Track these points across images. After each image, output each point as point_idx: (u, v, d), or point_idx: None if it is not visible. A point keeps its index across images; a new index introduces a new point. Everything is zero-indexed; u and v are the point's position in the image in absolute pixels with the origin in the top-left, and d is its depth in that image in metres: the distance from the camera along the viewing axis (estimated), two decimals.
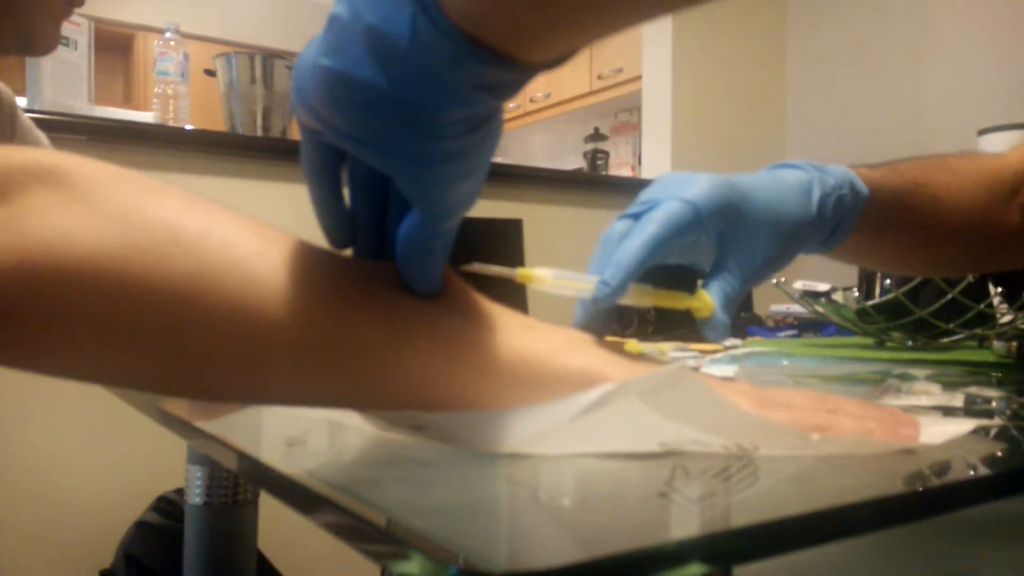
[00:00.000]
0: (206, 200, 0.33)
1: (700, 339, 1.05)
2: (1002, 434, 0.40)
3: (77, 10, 0.60)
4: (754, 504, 0.29)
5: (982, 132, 1.65)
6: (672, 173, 0.46)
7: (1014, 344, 0.72)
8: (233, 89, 1.45)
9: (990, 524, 0.50)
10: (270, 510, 0.59)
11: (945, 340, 0.85)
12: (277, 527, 0.89)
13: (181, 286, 0.29)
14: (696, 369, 0.67)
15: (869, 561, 0.46)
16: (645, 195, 0.45)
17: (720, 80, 2.28)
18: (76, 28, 1.21)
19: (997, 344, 0.74)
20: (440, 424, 0.33)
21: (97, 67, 1.37)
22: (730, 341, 0.99)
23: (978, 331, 0.81)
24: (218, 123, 1.53)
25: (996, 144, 1.58)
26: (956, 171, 0.58)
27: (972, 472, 0.33)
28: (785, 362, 0.72)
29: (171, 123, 1.40)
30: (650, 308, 1.10)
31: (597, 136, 3.23)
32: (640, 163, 2.49)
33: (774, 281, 0.90)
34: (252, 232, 0.32)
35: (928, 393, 0.50)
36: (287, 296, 0.31)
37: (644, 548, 0.22)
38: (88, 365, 0.30)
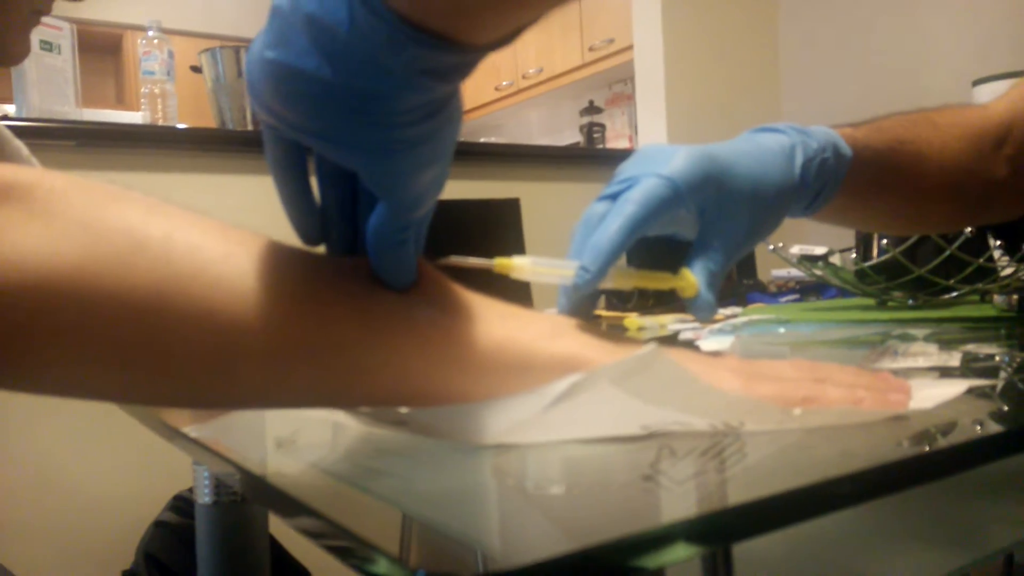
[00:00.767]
0: (169, 204, 0.32)
1: None
2: (995, 393, 0.40)
3: (59, 14, 0.59)
4: (745, 481, 0.28)
5: (977, 82, 1.63)
6: (650, 146, 0.45)
7: (1015, 297, 0.71)
8: (220, 84, 1.44)
9: (999, 479, 0.50)
10: (314, 491, 0.59)
11: (946, 297, 0.84)
12: (335, 504, 0.88)
13: (147, 295, 0.29)
14: (694, 341, 0.67)
15: (873, 525, 0.46)
16: (623, 171, 0.44)
17: (712, 44, 2.25)
18: (58, 32, 1.21)
19: (998, 298, 0.73)
20: (420, 419, 0.32)
21: (87, 69, 1.36)
22: (730, 310, 0.99)
23: (979, 286, 0.80)
24: (209, 120, 1.52)
25: (991, 95, 1.56)
26: (940, 126, 0.56)
27: (961, 436, 0.32)
28: (782, 329, 0.71)
29: (160, 123, 1.39)
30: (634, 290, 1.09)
31: (592, 109, 3.20)
32: (637, 134, 2.47)
33: (770, 247, 0.89)
34: (217, 235, 0.31)
35: (925, 354, 0.49)
36: (257, 298, 0.30)
37: (633, 534, 0.22)
38: (57, 380, 0.30)
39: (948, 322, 0.72)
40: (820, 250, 0.90)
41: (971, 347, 0.52)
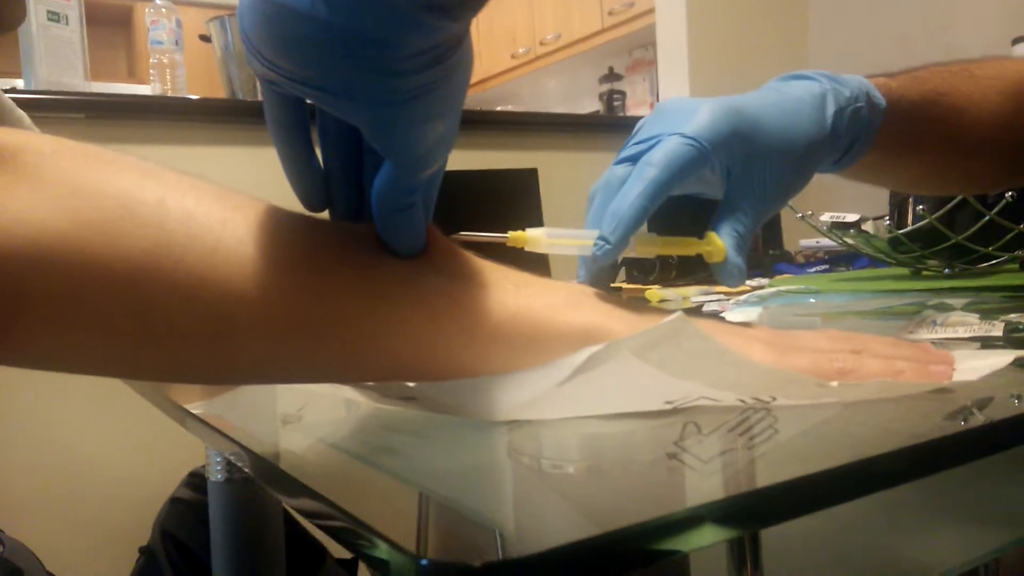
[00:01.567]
0: (164, 168, 0.30)
1: None
2: None
3: None
4: (776, 460, 0.27)
5: (1016, 41, 1.57)
6: (672, 101, 0.42)
7: None
8: (229, 53, 1.41)
9: None
10: (320, 469, 0.59)
11: (984, 265, 0.81)
12: (338, 484, 0.88)
13: (139, 263, 0.27)
14: (720, 313, 0.64)
15: (910, 505, 0.44)
16: (644, 128, 0.41)
17: (737, 6, 2.19)
18: (66, 3, 1.19)
19: None
20: (430, 394, 0.30)
21: (99, 42, 1.35)
22: (756, 281, 0.96)
23: (1019, 253, 0.77)
24: (219, 90, 1.50)
25: None
26: (978, 79, 0.53)
27: (1008, 410, 0.30)
28: (812, 300, 0.69)
29: (170, 93, 1.37)
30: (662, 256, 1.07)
31: (612, 76, 3.15)
32: (659, 101, 2.42)
33: (799, 215, 0.86)
34: (213, 200, 0.30)
35: (965, 324, 0.47)
36: (254, 267, 0.29)
37: (658, 517, 0.20)
38: (47, 352, 0.28)
39: (986, 291, 0.69)
40: (852, 217, 0.87)
41: (1014, 316, 0.50)
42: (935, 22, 2.00)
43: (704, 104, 0.40)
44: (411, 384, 0.31)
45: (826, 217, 0.85)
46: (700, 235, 0.40)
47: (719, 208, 0.41)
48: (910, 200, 0.83)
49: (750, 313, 0.60)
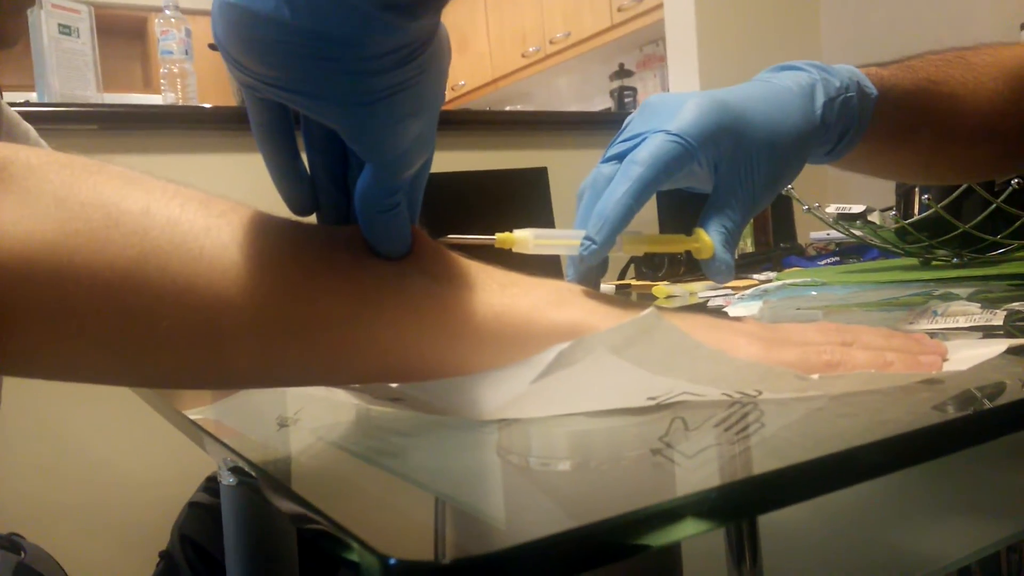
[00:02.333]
0: (149, 177, 0.31)
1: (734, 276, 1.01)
2: None
3: None
4: (761, 453, 0.27)
5: None
6: (658, 97, 0.42)
7: None
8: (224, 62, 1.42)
9: None
10: (311, 472, 0.59)
11: (993, 253, 0.80)
12: (324, 486, 0.89)
13: (124, 271, 0.28)
14: (723, 307, 0.64)
15: (903, 493, 0.44)
16: (630, 126, 0.41)
17: None
18: (76, 15, 1.20)
19: None
20: (415, 395, 0.31)
21: (114, 54, 1.36)
22: (765, 275, 0.96)
23: None
24: (229, 98, 1.52)
25: None
26: (974, 65, 0.52)
27: (1002, 398, 0.30)
28: (814, 292, 0.68)
29: (181, 102, 1.39)
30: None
31: (623, 72, 3.13)
32: None
33: (806, 207, 0.85)
34: (198, 207, 0.30)
35: (966, 313, 0.46)
36: (239, 273, 0.29)
37: (639, 510, 0.21)
38: (35, 361, 0.29)
39: (994, 279, 0.68)
40: (858, 208, 0.86)
41: (1016, 305, 0.49)
42: (948, 8, 1.98)
43: (690, 99, 0.40)
44: (394, 385, 0.31)
45: (832, 209, 0.84)
46: (688, 232, 0.40)
47: (707, 204, 0.41)
48: (916, 190, 0.83)
49: (752, 307, 0.59)
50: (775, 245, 1.26)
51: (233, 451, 0.31)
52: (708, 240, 0.39)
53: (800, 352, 0.33)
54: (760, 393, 0.30)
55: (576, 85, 3.64)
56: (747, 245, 1.22)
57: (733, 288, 0.84)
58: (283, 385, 0.33)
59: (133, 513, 1.30)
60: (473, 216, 1.31)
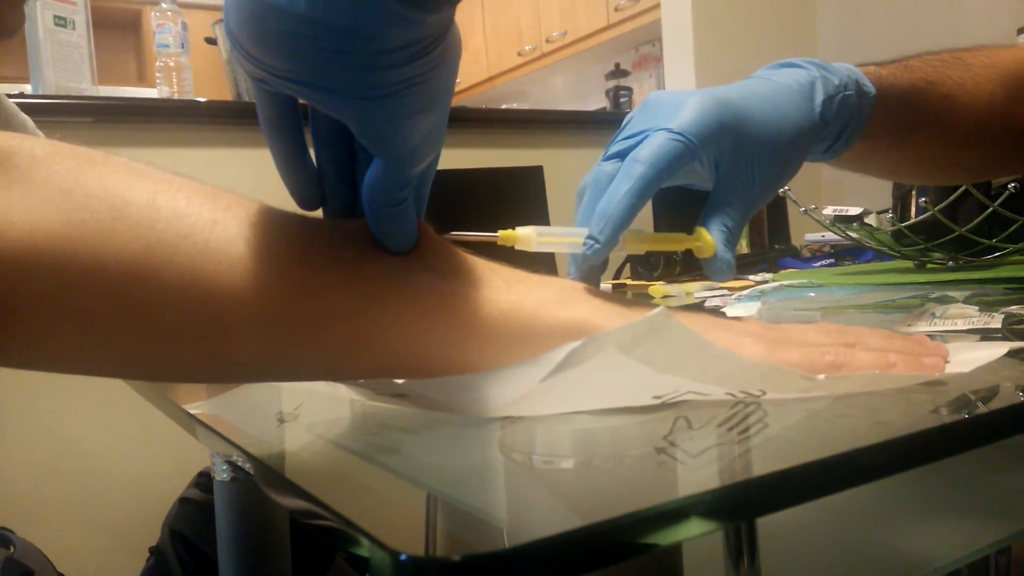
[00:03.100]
0: (155, 169, 0.31)
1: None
2: None
3: None
4: (765, 453, 0.27)
5: (1022, 31, 1.55)
6: (659, 94, 0.42)
7: None
8: (234, 55, 1.42)
9: None
10: (311, 467, 0.59)
11: (989, 257, 0.80)
12: (326, 482, 0.89)
13: (129, 263, 0.28)
14: (721, 308, 0.64)
15: (895, 495, 0.44)
16: (631, 124, 0.41)
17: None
18: (72, 8, 1.20)
19: None
20: (419, 391, 0.31)
21: (108, 47, 1.36)
22: (761, 276, 0.96)
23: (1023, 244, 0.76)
24: (225, 92, 1.51)
25: None
26: (972, 67, 0.53)
27: (1002, 401, 0.30)
28: (812, 294, 0.68)
29: (176, 96, 1.38)
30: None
31: (619, 72, 3.14)
32: None
33: (802, 209, 0.85)
34: (204, 200, 0.30)
35: (964, 316, 0.47)
36: (245, 266, 0.29)
37: (644, 510, 0.21)
38: (39, 352, 0.29)
39: (990, 283, 0.68)
40: (855, 211, 0.86)
41: (1014, 308, 0.49)
42: (944, 8, 1.99)
43: (691, 97, 0.40)
44: (399, 381, 0.31)
45: (829, 211, 0.84)
46: (690, 231, 0.40)
47: (707, 202, 0.41)
48: (913, 193, 0.83)
49: (750, 308, 0.59)
50: (771, 246, 1.26)
51: (236, 446, 0.31)
52: (709, 239, 0.39)
53: (804, 353, 0.33)
54: (764, 393, 0.30)
55: (572, 84, 3.64)
56: (743, 246, 1.23)
57: (729, 289, 0.84)
58: (287, 379, 0.33)
59: (123, 508, 1.29)
60: (469, 214, 1.30)
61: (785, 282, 0.78)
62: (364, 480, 0.27)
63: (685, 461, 0.26)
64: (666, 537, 0.21)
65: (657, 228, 1.68)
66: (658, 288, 0.87)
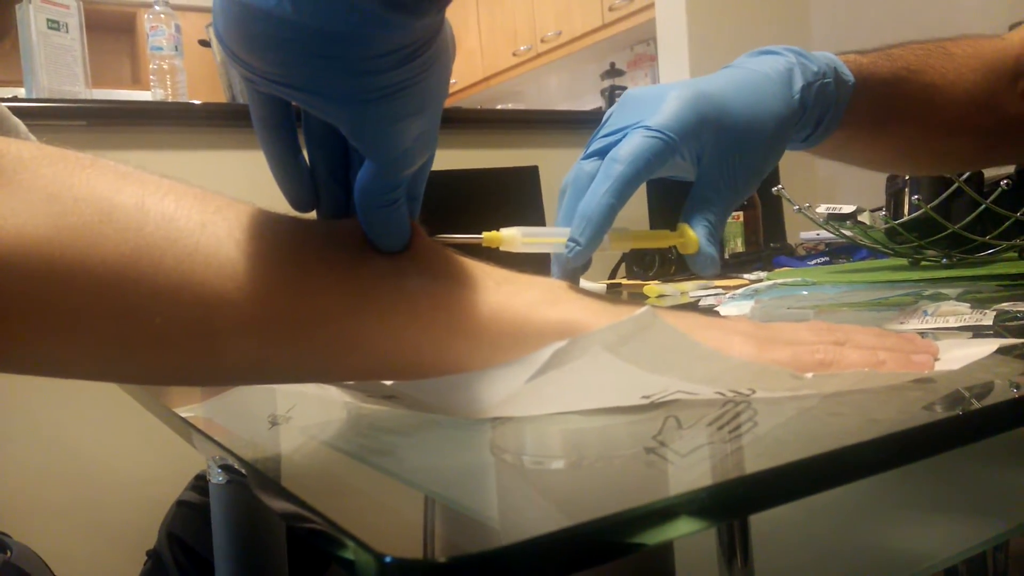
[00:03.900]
0: (143, 172, 0.31)
1: (724, 276, 1.01)
2: None
3: None
4: (755, 451, 0.27)
5: (1014, 26, 1.56)
6: (638, 90, 0.42)
7: None
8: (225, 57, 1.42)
9: None
10: (302, 470, 0.59)
11: (982, 254, 0.81)
12: (317, 484, 0.89)
13: (118, 267, 0.28)
14: (715, 307, 0.64)
15: (890, 492, 0.44)
16: (610, 120, 0.41)
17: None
18: (65, 11, 1.19)
19: None
20: (409, 393, 0.31)
21: (102, 49, 1.36)
22: (755, 275, 0.96)
23: (1016, 241, 0.77)
24: (219, 94, 1.51)
25: None
26: (955, 56, 0.52)
27: (992, 398, 0.30)
28: (805, 292, 0.68)
29: (170, 99, 1.38)
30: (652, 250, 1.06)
31: (614, 72, 3.14)
32: None
33: (796, 207, 0.86)
34: (193, 202, 0.30)
35: (956, 313, 0.47)
36: (235, 269, 0.29)
37: (633, 509, 0.21)
38: (31, 357, 0.29)
39: (983, 280, 0.68)
40: (848, 208, 0.87)
41: (1006, 305, 0.49)
42: (938, 8, 1.99)
43: (670, 92, 0.40)
44: (388, 383, 0.31)
45: (823, 209, 0.84)
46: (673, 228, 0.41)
47: (689, 197, 0.41)
48: (906, 190, 0.83)
49: (743, 306, 0.59)
50: (765, 245, 1.26)
51: (226, 449, 0.31)
52: (693, 235, 0.39)
53: (793, 351, 0.33)
54: (754, 392, 0.30)
55: (567, 84, 3.65)
56: (737, 245, 1.23)
57: (724, 287, 0.84)
58: (278, 382, 0.33)
59: (120, 512, 1.29)
60: (465, 214, 1.31)
61: (779, 280, 0.78)
62: (356, 482, 0.27)
63: (675, 460, 0.26)
64: (656, 536, 0.21)
65: (652, 221, 1.68)
66: (653, 287, 0.87)
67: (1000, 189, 0.74)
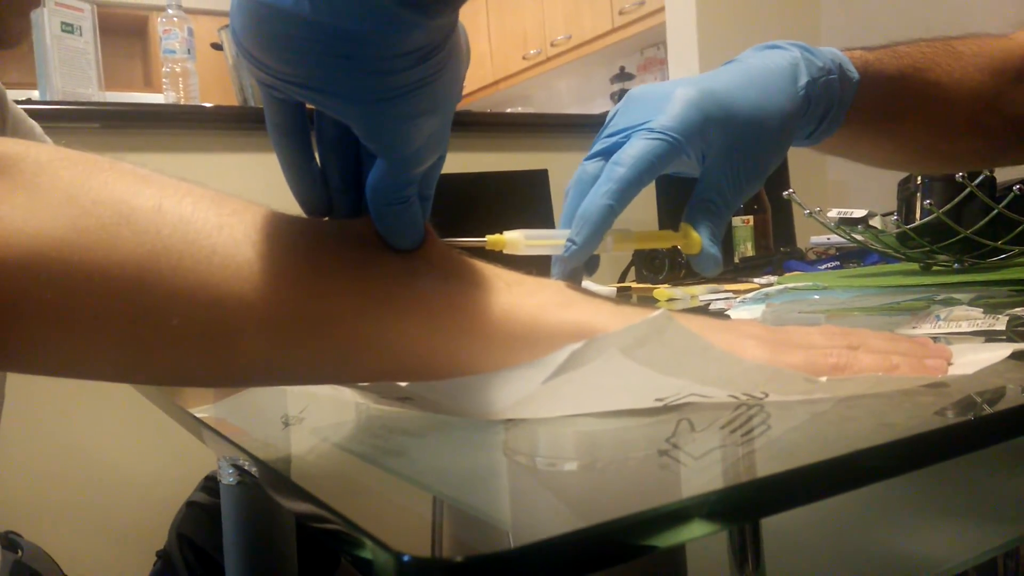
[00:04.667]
0: (161, 175, 0.31)
1: (735, 280, 1.01)
2: None
3: None
4: (768, 455, 0.27)
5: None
6: (642, 89, 0.42)
7: None
8: (240, 60, 1.43)
9: None
10: (316, 470, 0.59)
11: (994, 259, 0.80)
12: (331, 484, 0.89)
13: (136, 269, 0.28)
14: (725, 311, 0.64)
15: (902, 497, 0.44)
16: (615, 120, 0.41)
17: (748, 3, 2.18)
18: (79, 14, 1.20)
19: None
20: (424, 394, 0.31)
21: (115, 52, 1.37)
22: (766, 279, 0.96)
23: None
24: (231, 97, 1.52)
25: None
26: (962, 55, 0.52)
27: (1006, 403, 0.30)
28: (816, 296, 0.68)
29: (183, 102, 1.39)
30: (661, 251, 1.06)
31: (623, 75, 3.14)
32: None
33: (807, 212, 0.85)
34: (210, 205, 0.30)
35: (969, 318, 0.46)
36: (251, 271, 0.29)
37: (647, 511, 0.21)
38: (48, 358, 0.29)
39: (996, 285, 0.68)
40: (859, 213, 0.86)
41: (1019, 310, 0.49)
42: (948, 8, 1.98)
43: (674, 91, 0.40)
44: (403, 384, 0.31)
45: (833, 213, 0.84)
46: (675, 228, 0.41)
47: (692, 197, 0.41)
48: (918, 194, 0.83)
49: (754, 310, 0.59)
50: (775, 249, 1.26)
51: (241, 449, 0.31)
52: (696, 235, 0.39)
53: (806, 355, 0.33)
54: (767, 395, 0.30)
55: (577, 88, 3.65)
56: (748, 249, 1.23)
57: (734, 292, 0.84)
58: (293, 383, 0.33)
59: (130, 512, 1.30)
60: (475, 217, 1.31)
61: (790, 285, 0.78)
62: (369, 483, 0.27)
63: (688, 463, 0.26)
64: (669, 538, 0.21)
65: (661, 221, 1.67)
66: (663, 291, 0.87)
67: (1013, 194, 0.73)
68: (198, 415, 0.39)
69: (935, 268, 0.84)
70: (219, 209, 0.30)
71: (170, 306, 0.28)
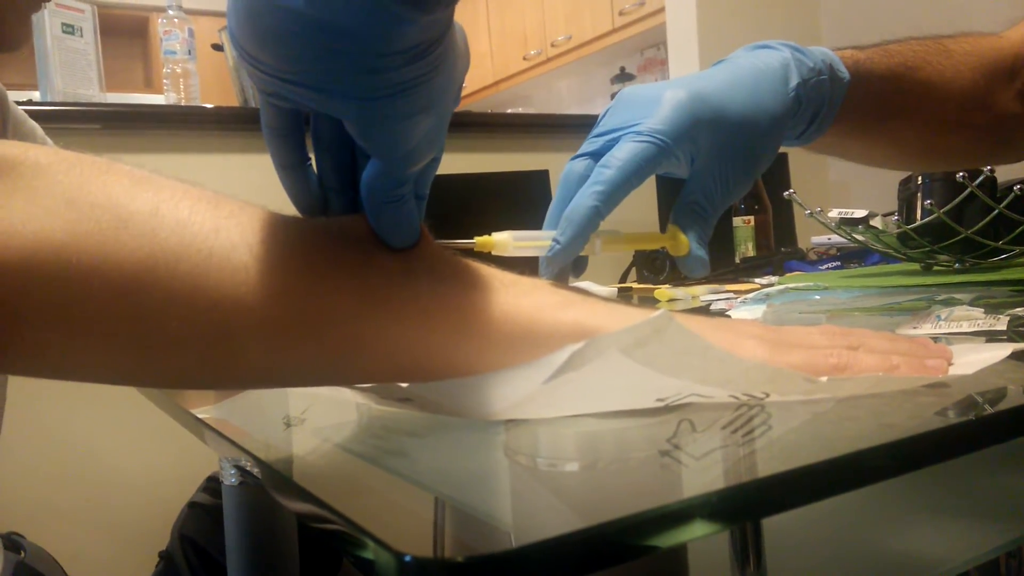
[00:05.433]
0: (159, 177, 0.31)
1: (736, 280, 1.01)
2: None
3: None
4: (769, 455, 0.27)
5: None
6: (632, 90, 0.42)
7: None
8: (240, 61, 1.43)
9: None
10: (317, 471, 0.59)
11: (995, 259, 0.80)
12: (332, 485, 0.89)
13: (134, 272, 0.28)
14: (726, 311, 0.64)
15: (903, 497, 0.44)
16: (604, 120, 0.41)
17: (748, 4, 2.18)
18: (80, 15, 1.21)
19: None
20: (423, 395, 0.31)
21: (116, 53, 1.37)
22: (766, 279, 0.96)
23: None
24: (232, 98, 1.52)
25: None
26: (953, 54, 0.52)
27: (1007, 403, 0.30)
28: (817, 296, 0.68)
29: (183, 103, 1.39)
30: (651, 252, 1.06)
31: (624, 76, 3.14)
32: None
33: (807, 212, 0.85)
34: (207, 207, 0.30)
35: (970, 318, 0.46)
36: (248, 273, 0.29)
37: (647, 511, 0.21)
38: (48, 361, 0.29)
39: (997, 285, 0.68)
40: (860, 213, 0.86)
41: (1020, 310, 0.49)
42: (946, 7, 1.98)
43: (665, 94, 0.39)
44: (404, 385, 0.31)
45: (834, 213, 0.84)
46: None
47: (679, 199, 0.41)
48: (919, 195, 0.83)
49: (755, 311, 0.59)
50: (776, 249, 1.26)
51: (243, 450, 0.31)
52: (683, 238, 0.39)
53: (807, 355, 0.33)
54: (768, 395, 0.30)
55: (577, 88, 3.65)
56: (748, 249, 1.23)
57: (735, 292, 0.84)
58: (291, 385, 0.33)
59: (133, 513, 1.30)
60: (474, 218, 1.31)
61: (791, 285, 0.78)
62: (370, 483, 0.27)
63: (689, 463, 0.26)
64: (669, 539, 0.21)
65: (662, 219, 1.67)
66: (664, 291, 0.87)
67: (1013, 194, 0.73)
68: (200, 416, 0.40)
69: (936, 268, 0.84)
70: (216, 211, 0.30)
71: (168, 309, 0.28)
